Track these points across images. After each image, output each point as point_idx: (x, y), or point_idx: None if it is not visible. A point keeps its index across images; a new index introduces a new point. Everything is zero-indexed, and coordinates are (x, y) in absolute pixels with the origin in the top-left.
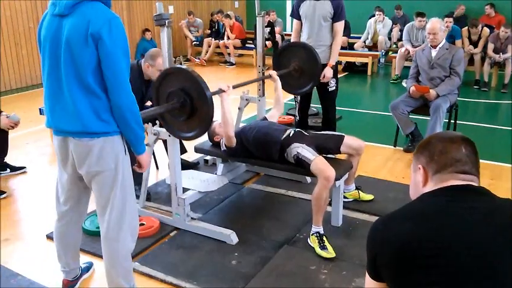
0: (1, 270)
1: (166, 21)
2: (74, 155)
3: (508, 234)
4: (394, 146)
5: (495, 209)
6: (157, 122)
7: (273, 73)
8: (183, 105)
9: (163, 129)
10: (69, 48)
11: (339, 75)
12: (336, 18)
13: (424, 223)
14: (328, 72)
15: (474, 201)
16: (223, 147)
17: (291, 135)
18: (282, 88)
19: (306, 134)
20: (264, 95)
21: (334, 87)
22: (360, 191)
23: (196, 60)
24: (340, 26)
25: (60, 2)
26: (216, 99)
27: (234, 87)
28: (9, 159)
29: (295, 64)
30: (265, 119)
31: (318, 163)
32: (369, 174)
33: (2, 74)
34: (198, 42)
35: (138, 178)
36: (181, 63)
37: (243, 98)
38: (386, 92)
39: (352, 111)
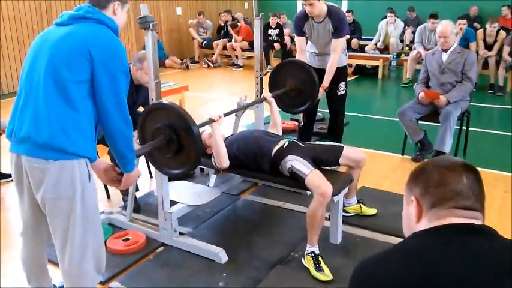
0: None
1: (151, 24)
2: (30, 178)
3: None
4: (402, 155)
5: (499, 255)
6: None
7: (268, 95)
8: (169, 141)
9: None
10: (56, 53)
11: (349, 79)
12: (335, 35)
13: (412, 270)
14: (320, 92)
15: (474, 246)
16: (215, 165)
17: (284, 146)
18: (278, 106)
19: (302, 145)
20: (262, 101)
21: (343, 91)
22: (362, 205)
23: (205, 64)
24: (338, 43)
25: (67, 13)
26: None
27: (226, 115)
28: None
29: (291, 83)
30: None
31: (313, 177)
32: (373, 185)
33: (4, 76)
34: (207, 43)
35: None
36: (187, 66)
37: (239, 105)
38: (397, 96)
39: (360, 117)
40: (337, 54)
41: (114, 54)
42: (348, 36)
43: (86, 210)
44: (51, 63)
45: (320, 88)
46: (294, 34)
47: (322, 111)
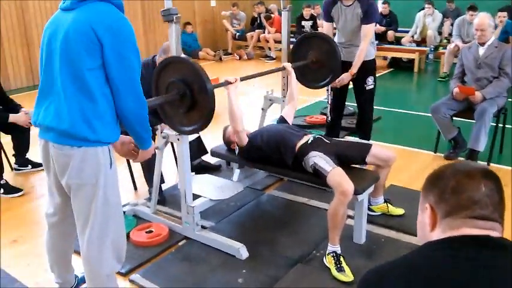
0: (0, 274)
1: (174, 17)
2: (55, 163)
3: None
4: (435, 152)
5: None
6: None
7: (287, 65)
8: (182, 97)
9: (173, 133)
10: (66, 44)
11: (383, 72)
12: (365, 20)
13: (419, 285)
14: (345, 78)
15: (488, 260)
16: (237, 150)
17: (309, 142)
18: (298, 81)
19: (327, 141)
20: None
21: (372, 86)
22: (389, 204)
23: (237, 57)
24: (368, 28)
25: None
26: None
27: (242, 79)
28: (31, 155)
29: (313, 56)
30: (281, 118)
31: (335, 175)
32: (403, 184)
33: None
34: (241, 35)
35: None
36: (220, 58)
37: (266, 98)
38: (433, 91)
39: (393, 112)
40: (367, 41)
41: (121, 33)
42: (382, 28)
43: (107, 197)
44: (64, 55)
45: (348, 74)
46: None
47: (354, 105)
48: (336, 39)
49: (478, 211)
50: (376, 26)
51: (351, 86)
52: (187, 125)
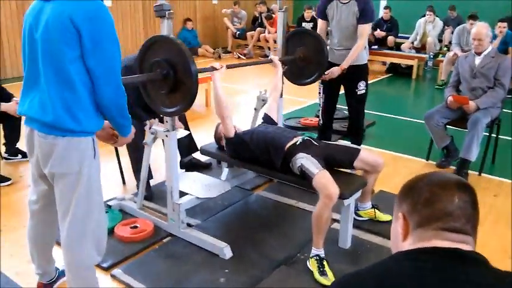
0: None
1: (167, 13)
2: (39, 152)
3: None
4: (427, 160)
5: (487, 286)
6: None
7: (275, 58)
8: (165, 77)
9: (161, 129)
10: (47, 35)
11: (381, 77)
12: (361, 20)
13: None
14: (334, 71)
15: (458, 274)
16: (224, 143)
17: (297, 143)
18: (286, 78)
19: (316, 143)
20: (281, 96)
21: (363, 91)
22: (376, 210)
23: (236, 55)
24: (364, 28)
25: None
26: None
27: (228, 67)
28: (21, 145)
29: (300, 52)
30: (266, 115)
31: (321, 178)
32: (393, 190)
33: None
34: (241, 34)
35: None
36: (219, 56)
37: (259, 99)
38: (430, 98)
39: (387, 117)
40: (363, 40)
41: (99, 22)
42: (383, 33)
43: (90, 187)
44: (45, 46)
45: (338, 68)
46: (329, 28)
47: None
48: (328, 43)
49: (451, 223)
50: (377, 30)
51: (342, 91)
52: (169, 106)
